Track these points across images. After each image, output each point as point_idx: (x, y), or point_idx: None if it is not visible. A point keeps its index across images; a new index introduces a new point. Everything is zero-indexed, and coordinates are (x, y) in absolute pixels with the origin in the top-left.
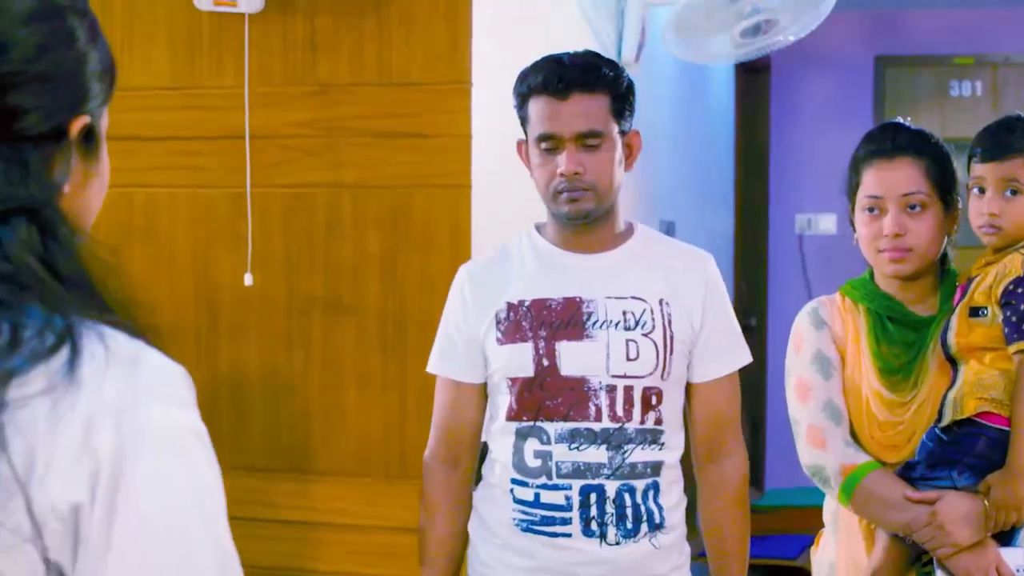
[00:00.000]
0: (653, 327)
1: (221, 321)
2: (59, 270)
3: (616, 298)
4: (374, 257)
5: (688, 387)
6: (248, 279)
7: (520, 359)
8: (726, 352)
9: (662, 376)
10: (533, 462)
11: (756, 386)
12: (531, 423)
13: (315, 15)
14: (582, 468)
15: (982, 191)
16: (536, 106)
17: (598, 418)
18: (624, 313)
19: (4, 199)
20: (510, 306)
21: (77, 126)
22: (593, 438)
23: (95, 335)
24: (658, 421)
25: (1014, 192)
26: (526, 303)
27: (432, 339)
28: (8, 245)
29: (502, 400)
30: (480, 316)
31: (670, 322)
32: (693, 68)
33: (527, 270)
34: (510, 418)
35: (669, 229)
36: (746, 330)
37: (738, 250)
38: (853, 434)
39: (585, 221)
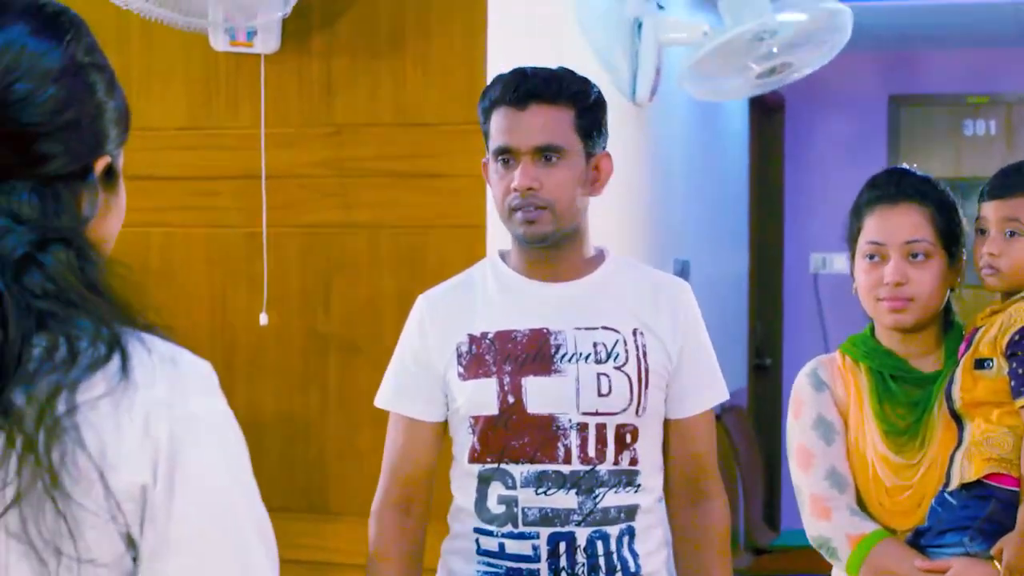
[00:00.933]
0: (627, 359)
1: (237, 361)
2: (97, 287)
3: (586, 329)
4: (390, 297)
5: (665, 424)
6: (263, 319)
7: (483, 396)
8: (705, 387)
9: (637, 412)
10: (497, 508)
11: (771, 425)
12: (495, 465)
13: (331, 56)
14: (550, 514)
15: (983, 232)
16: (495, 118)
17: (567, 460)
18: (595, 345)
19: (44, 229)
20: (472, 338)
21: (100, 165)
22: (562, 481)
23: (137, 340)
24: (633, 461)
25: (1013, 233)
26: (489, 335)
27: None
28: (51, 268)
29: (464, 440)
30: (441, 348)
31: (645, 354)
32: (707, 108)
33: (490, 299)
34: (472, 460)
35: (684, 268)
36: (761, 370)
37: (752, 289)
38: (860, 501)
39: (544, 245)
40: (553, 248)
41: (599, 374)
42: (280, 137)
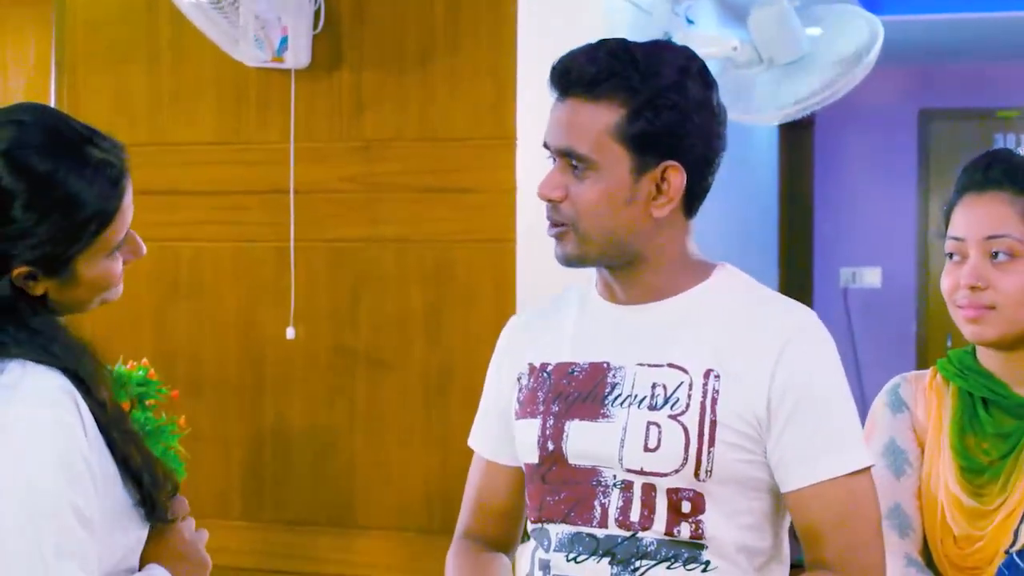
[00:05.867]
0: (687, 408)
1: (265, 375)
2: (18, 329)
3: (649, 366)
4: (417, 312)
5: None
6: (290, 332)
7: (527, 439)
8: (821, 451)
9: (697, 474)
10: (536, 574)
11: None
12: (538, 524)
13: (361, 71)
14: None
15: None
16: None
17: (603, 523)
18: (653, 386)
19: None
20: (532, 369)
21: (16, 273)
22: (594, 547)
23: (11, 369)
24: (697, 535)
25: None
26: (549, 367)
27: (475, 394)
28: None
29: None
30: (509, 380)
31: (715, 402)
32: (737, 122)
33: (564, 324)
34: (529, 516)
35: None
36: None
37: None
38: (927, 549)
39: (582, 267)
40: (615, 270)
41: (649, 423)
42: (309, 152)
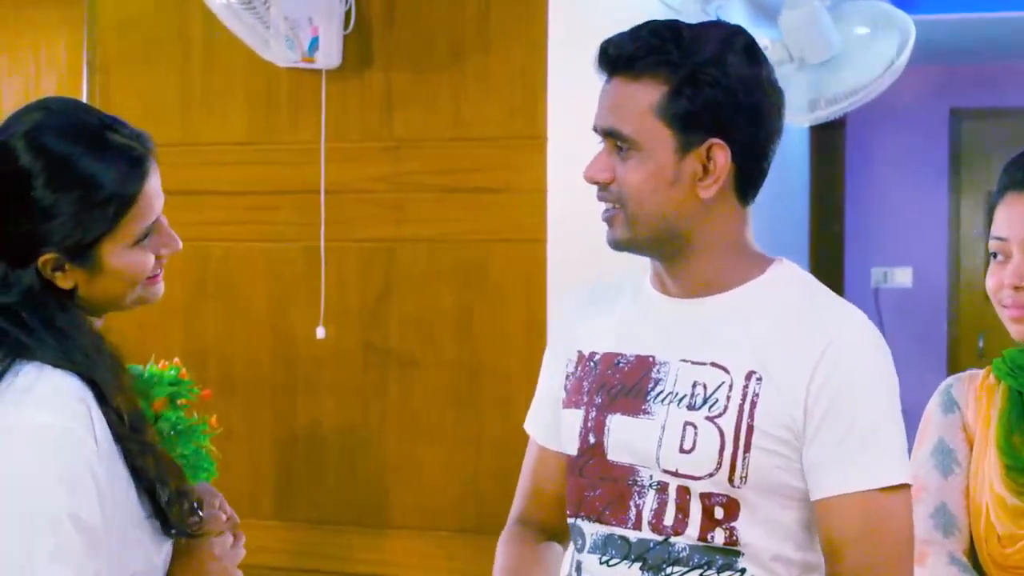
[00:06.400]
0: (725, 410)
1: (296, 375)
2: (39, 331)
3: (692, 363)
4: (448, 311)
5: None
6: (320, 332)
7: (570, 430)
8: (851, 463)
9: (731, 480)
10: (571, 575)
11: None
12: (573, 519)
13: (391, 71)
14: None
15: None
16: None
17: (636, 525)
18: (694, 385)
19: None
20: (580, 357)
21: (43, 261)
22: (626, 551)
23: (27, 371)
24: (731, 541)
25: None
26: (597, 356)
27: (507, 394)
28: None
29: None
30: (560, 366)
31: (753, 405)
32: None
33: (615, 311)
34: (567, 508)
35: None
36: None
37: None
38: (974, 549)
39: (630, 252)
40: (667, 260)
41: (686, 423)
42: (339, 152)
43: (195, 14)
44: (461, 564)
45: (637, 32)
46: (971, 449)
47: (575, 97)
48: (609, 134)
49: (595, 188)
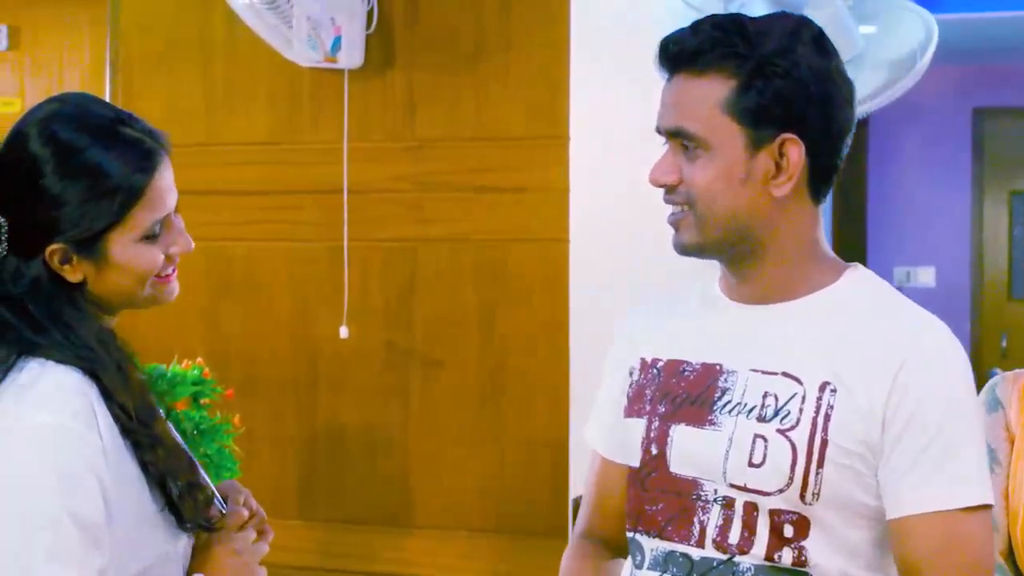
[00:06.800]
0: (797, 422)
1: (320, 374)
2: (43, 328)
3: (763, 373)
4: (471, 311)
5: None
6: (344, 331)
7: (631, 440)
8: (926, 481)
9: (803, 496)
10: None
11: None
12: (632, 533)
13: (413, 71)
14: None
15: None
16: None
17: (700, 542)
18: (764, 396)
19: None
20: (643, 364)
21: (51, 252)
22: (688, 569)
23: (31, 368)
24: (800, 562)
25: None
26: (660, 363)
27: (529, 393)
28: None
29: None
30: (621, 374)
31: (828, 418)
32: None
33: (680, 316)
34: (625, 521)
35: None
36: None
37: None
38: (1012, 552)
39: (698, 256)
40: (736, 264)
41: (756, 436)
42: (362, 152)
43: (217, 14)
44: (483, 564)
45: (699, 26)
46: (1012, 448)
47: (597, 96)
48: (675, 134)
49: (616, 187)
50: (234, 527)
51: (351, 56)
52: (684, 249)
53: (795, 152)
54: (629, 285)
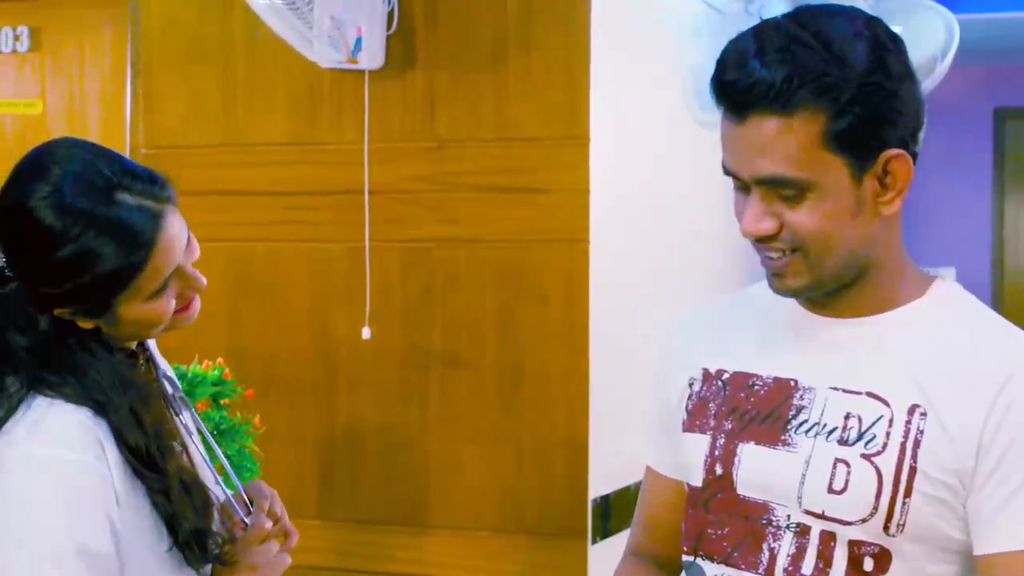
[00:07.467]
0: (884, 447)
1: (339, 375)
2: (54, 368)
3: (844, 392)
4: (491, 312)
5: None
6: (366, 332)
7: (692, 457)
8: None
9: (887, 528)
10: None
11: None
12: (691, 557)
13: (434, 71)
14: None
15: None
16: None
17: (769, 570)
18: (847, 417)
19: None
20: (706, 375)
21: (60, 312)
22: None
23: (38, 406)
24: None
25: None
26: (725, 375)
27: (548, 395)
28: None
29: None
30: (679, 385)
31: (917, 444)
32: None
33: (749, 325)
34: (682, 543)
35: None
36: None
37: None
38: None
39: (808, 296)
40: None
41: (837, 460)
42: (382, 152)
43: (238, 15)
44: (501, 564)
45: (764, 57)
46: None
47: (618, 97)
48: (770, 183)
49: (636, 188)
50: (255, 540)
51: (372, 57)
52: (794, 293)
53: (902, 167)
54: (649, 286)
